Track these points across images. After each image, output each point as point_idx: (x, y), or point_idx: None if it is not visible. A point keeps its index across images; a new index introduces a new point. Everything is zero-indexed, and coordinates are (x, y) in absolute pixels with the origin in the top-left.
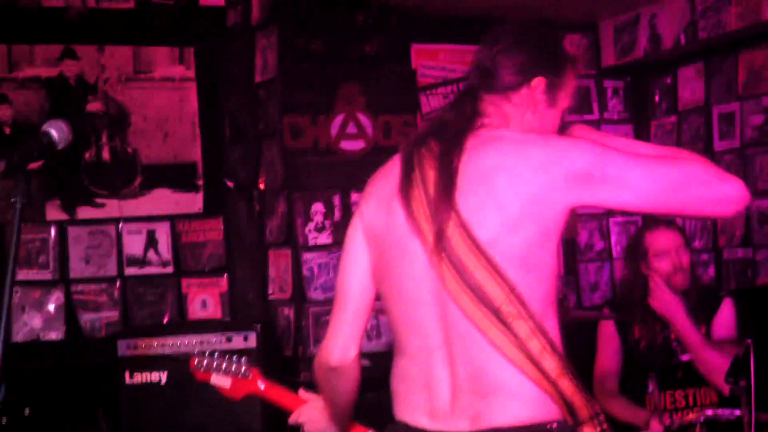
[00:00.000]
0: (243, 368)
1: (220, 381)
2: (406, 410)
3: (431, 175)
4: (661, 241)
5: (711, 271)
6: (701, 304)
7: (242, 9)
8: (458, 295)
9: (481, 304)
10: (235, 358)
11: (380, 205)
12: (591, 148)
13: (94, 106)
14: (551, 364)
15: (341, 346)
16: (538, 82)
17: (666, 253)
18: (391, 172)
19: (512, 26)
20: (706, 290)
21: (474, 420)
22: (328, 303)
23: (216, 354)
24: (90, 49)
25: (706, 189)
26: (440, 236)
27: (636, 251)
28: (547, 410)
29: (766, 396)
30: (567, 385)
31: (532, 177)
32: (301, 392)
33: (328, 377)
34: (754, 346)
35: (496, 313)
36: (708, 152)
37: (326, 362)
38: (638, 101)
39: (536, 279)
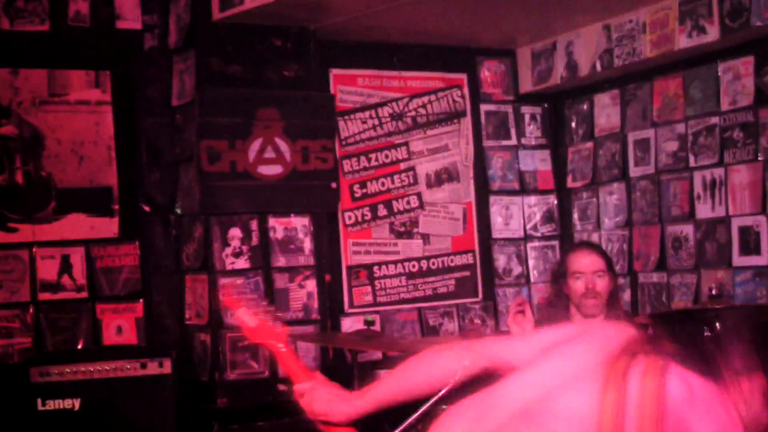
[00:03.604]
0: (277, 324)
1: (247, 318)
2: None
3: None
4: (578, 262)
5: (627, 295)
6: None
7: (159, 32)
8: None
9: None
10: (271, 309)
11: None
12: None
13: (7, 129)
14: None
15: None
16: None
17: (581, 274)
18: None
19: None
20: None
21: None
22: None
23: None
24: (3, 71)
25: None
26: None
27: (558, 271)
28: None
29: None
30: None
31: None
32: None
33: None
34: None
35: None
36: (624, 178)
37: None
38: (555, 127)
39: None
